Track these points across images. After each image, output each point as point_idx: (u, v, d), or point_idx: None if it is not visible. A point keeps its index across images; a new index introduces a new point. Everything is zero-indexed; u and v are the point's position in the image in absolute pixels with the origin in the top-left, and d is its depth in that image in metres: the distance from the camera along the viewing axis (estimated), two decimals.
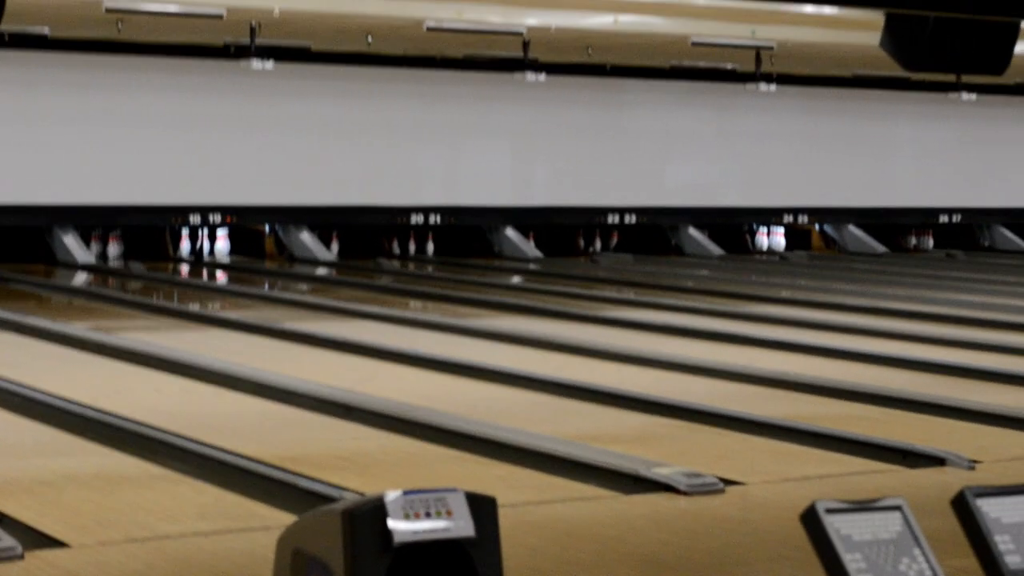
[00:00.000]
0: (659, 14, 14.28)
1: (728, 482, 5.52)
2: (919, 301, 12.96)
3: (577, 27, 14.44)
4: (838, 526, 2.91)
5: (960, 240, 19.92)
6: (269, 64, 14.75)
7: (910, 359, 9.28)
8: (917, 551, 2.97)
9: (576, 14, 14.13)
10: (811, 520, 2.89)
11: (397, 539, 2.66)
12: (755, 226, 18.97)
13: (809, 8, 13.76)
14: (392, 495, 2.70)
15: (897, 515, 3.03)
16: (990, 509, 3.19)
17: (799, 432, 6.70)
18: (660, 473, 5.40)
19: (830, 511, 2.93)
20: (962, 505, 3.14)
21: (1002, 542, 3.17)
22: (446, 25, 14.01)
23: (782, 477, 5.79)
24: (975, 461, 6.03)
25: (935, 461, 6.05)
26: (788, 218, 18.85)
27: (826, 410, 7.49)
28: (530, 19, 14.12)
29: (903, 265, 17.21)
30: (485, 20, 14.08)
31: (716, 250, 18.05)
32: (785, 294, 13.94)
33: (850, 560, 2.86)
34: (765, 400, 7.76)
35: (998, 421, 7.15)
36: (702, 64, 17.61)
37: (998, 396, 7.89)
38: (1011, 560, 3.16)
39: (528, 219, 17.71)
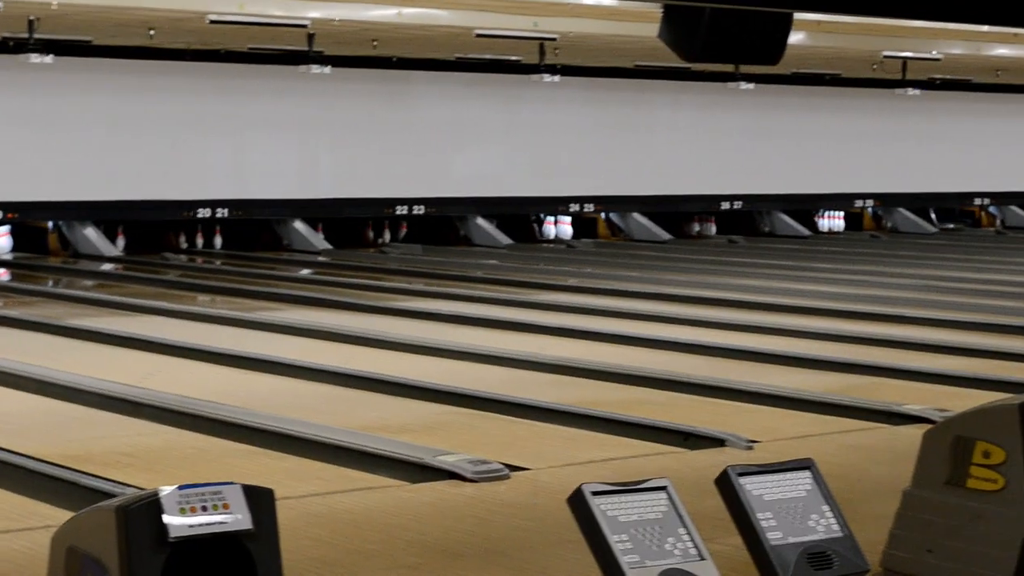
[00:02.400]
0: (443, 6, 14.32)
1: (515, 468, 5.59)
2: (702, 286, 13.20)
3: (361, 19, 14.41)
4: (604, 508, 2.98)
5: (741, 226, 20.32)
6: (49, 58, 14.48)
7: (694, 343, 9.46)
8: (682, 530, 3.05)
9: (359, 6, 14.10)
10: (578, 503, 2.95)
11: (173, 534, 2.65)
12: (542, 215, 19.14)
13: (589, 0, 13.95)
14: (167, 490, 2.69)
15: (662, 495, 3.11)
16: (753, 487, 3.29)
17: (585, 417, 6.81)
18: (446, 461, 5.45)
19: (596, 493, 3.00)
20: (725, 484, 3.23)
21: (764, 519, 3.28)
22: (229, 18, 13.87)
23: (567, 462, 5.88)
24: (753, 441, 6.19)
25: (715, 442, 6.20)
26: (574, 207, 19.05)
27: (612, 395, 7.61)
28: (313, 12, 14.05)
29: (686, 251, 17.50)
30: (268, 13, 13.98)
31: (504, 239, 18.17)
32: (572, 282, 14.10)
33: (616, 541, 2.93)
34: (552, 387, 7.86)
35: (776, 402, 7.35)
36: (487, 56, 17.71)
37: (777, 378, 8.09)
38: (773, 536, 3.27)
39: (316, 211, 17.65)
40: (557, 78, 17.59)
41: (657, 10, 6.35)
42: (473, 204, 18.39)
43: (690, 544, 3.04)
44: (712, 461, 5.73)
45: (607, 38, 15.55)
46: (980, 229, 22.11)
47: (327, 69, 16.13)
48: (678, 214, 19.98)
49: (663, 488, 3.09)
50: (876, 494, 5.07)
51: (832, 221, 21.25)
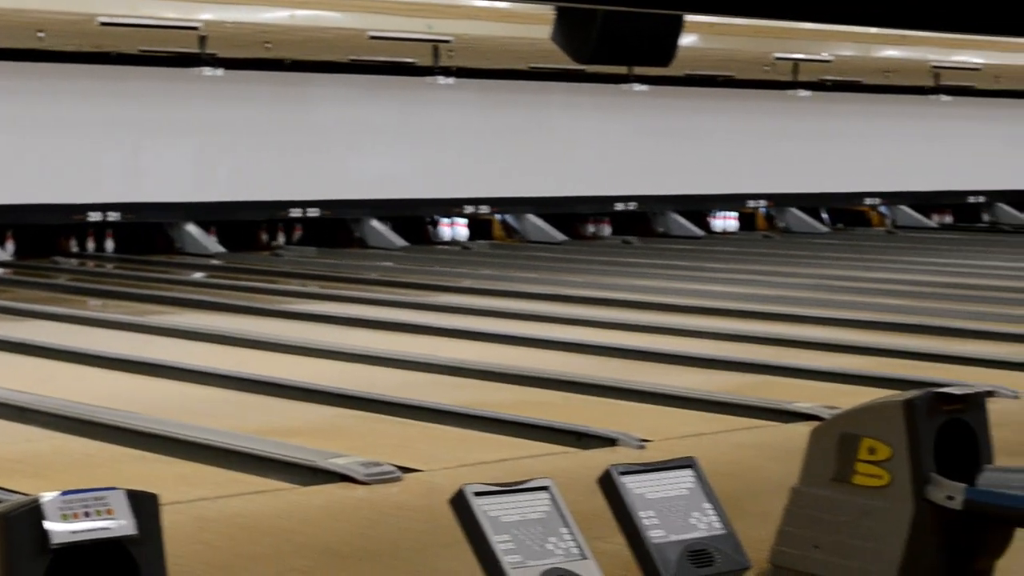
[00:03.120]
0: (335, 9, 14.29)
1: (407, 470, 5.58)
2: (597, 287, 13.27)
3: (253, 22, 14.34)
4: (486, 508, 2.98)
5: (636, 227, 20.41)
6: None
7: (588, 344, 9.50)
8: (564, 530, 3.06)
9: (252, 9, 14.03)
10: (460, 504, 2.95)
11: (54, 541, 2.62)
12: (437, 217, 19.13)
13: (482, 2, 13.96)
14: (48, 496, 2.66)
15: (545, 495, 3.11)
16: (635, 486, 3.31)
17: (478, 419, 6.82)
18: (337, 463, 5.44)
19: (478, 494, 3.00)
20: (608, 483, 3.24)
21: (646, 517, 3.30)
22: (119, 20, 13.75)
23: (460, 463, 5.88)
24: (645, 440, 6.22)
25: (607, 442, 6.23)
26: (469, 208, 19.07)
27: (506, 396, 7.62)
28: (205, 14, 13.97)
29: (581, 252, 17.57)
30: (159, 15, 13.88)
31: (399, 241, 18.14)
32: (467, 283, 14.11)
33: (498, 541, 2.93)
34: (446, 388, 7.86)
35: (669, 401, 7.39)
36: (381, 58, 17.68)
37: (670, 377, 8.14)
38: (655, 534, 3.29)
39: (209, 214, 17.53)
40: (452, 80, 17.60)
41: (550, 12, 6.38)
42: (368, 206, 18.35)
43: (572, 543, 3.05)
44: (604, 460, 5.73)
45: (501, 40, 15.58)
46: (871, 228, 22.37)
47: (220, 71, 16.04)
48: (573, 215, 20.05)
49: (545, 488, 3.10)
50: (767, 491, 5.10)
51: (725, 221, 21.40)
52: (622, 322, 10.65)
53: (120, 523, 2.68)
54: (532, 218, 19.42)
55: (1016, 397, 7.37)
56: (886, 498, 3.68)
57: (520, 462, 5.84)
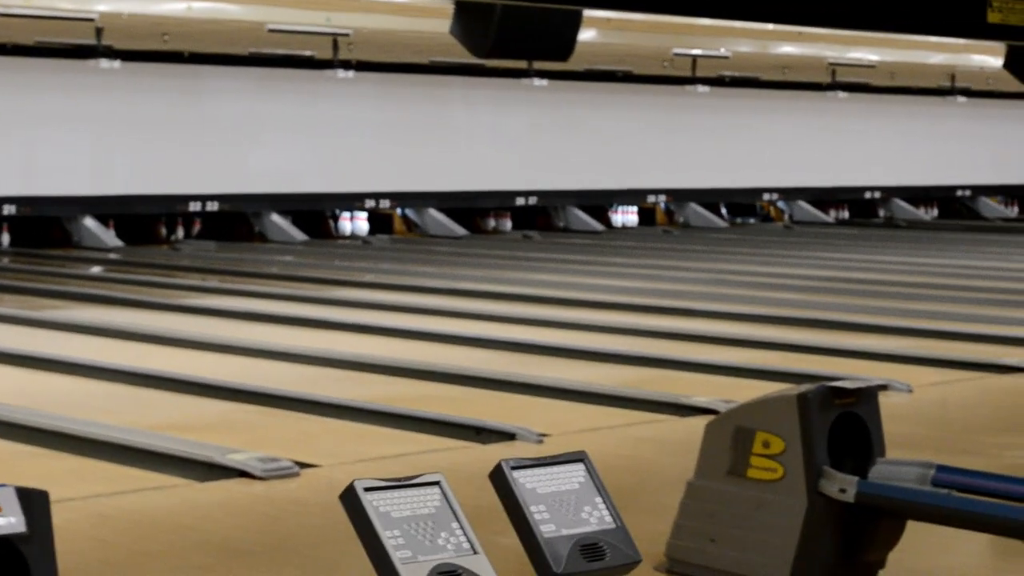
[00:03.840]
0: (233, 1, 14.22)
1: (305, 465, 5.56)
2: (497, 282, 13.28)
3: (150, 13, 14.23)
4: (376, 504, 2.97)
5: (536, 221, 20.46)
6: None
7: (487, 338, 9.51)
8: (455, 525, 3.06)
9: (149, 0, 13.93)
10: (350, 499, 2.94)
11: None
12: (338, 211, 19.08)
13: None
14: None
15: (435, 490, 3.11)
16: (526, 480, 3.32)
17: (378, 413, 6.81)
18: (235, 459, 5.41)
19: (368, 489, 2.99)
20: (499, 478, 3.24)
21: (538, 512, 3.30)
22: (14, 11, 13.60)
23: (359, 458, 5.87)
24: (544, 435, 6.24)
25: (506, 436, 6.24)
26: (370, 203, 19.03)
27: (405, 391, 7.61)
28: (101, 5, 13.84)
29: (482, 247, 17.59)
30: (55, 6, 13.74)
31: (300, 236, 18.08)
32: (368, 278, 14.08)
33: (388, 537, 2.92)
34: (345, 383, 7.84)
35: (569, 395, 7.42)
36: (280, 51, 17.61)
37: (570, 371, 8.17)
38: (546, 528, 3.30)
39: (107, 208, 17.37)
40: (351, 74, 17.57)
41: (449, 6, 6.37)
42: (268, 200, 18.27)
43: (463, 539, 3.05)
44: (503, 454, 5.74)
45: (401, 34, 15.56)
46: (769, 224, 22.55)
47: (117, 64, 15.91)
48: (473, 210, 20.07)
49: (436, 483, 3.10)
50: (665, 485, 5.13)
51: (625, 216, 21.50)
52: (522, 316, 10.67)
53: (9, 521, 2.65)
54: (433, 212, 19.41)
55: (909, 391, 7.46)
56: (780, 491, 3.71)
57: (419, 457, 5.83)
